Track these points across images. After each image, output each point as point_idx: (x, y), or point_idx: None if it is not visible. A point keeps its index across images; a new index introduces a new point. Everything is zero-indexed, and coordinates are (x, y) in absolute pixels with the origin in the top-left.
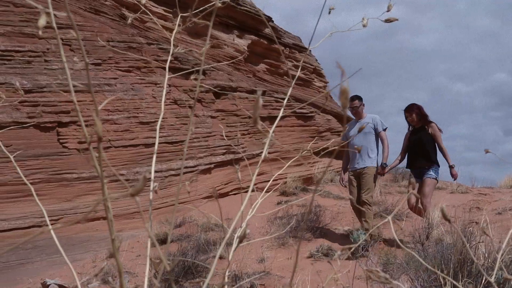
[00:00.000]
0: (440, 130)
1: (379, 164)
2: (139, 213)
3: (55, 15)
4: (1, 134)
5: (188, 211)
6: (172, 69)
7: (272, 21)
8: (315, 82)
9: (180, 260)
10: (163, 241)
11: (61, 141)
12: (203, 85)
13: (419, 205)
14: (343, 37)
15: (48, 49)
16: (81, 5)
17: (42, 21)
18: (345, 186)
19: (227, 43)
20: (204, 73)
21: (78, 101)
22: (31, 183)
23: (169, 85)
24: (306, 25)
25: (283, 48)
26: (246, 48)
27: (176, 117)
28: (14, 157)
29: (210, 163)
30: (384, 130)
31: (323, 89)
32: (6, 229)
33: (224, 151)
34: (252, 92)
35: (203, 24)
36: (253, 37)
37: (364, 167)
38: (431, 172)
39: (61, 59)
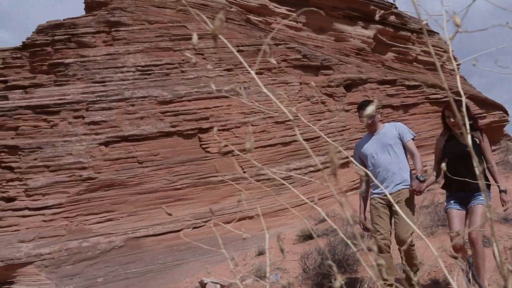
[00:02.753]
0: (490, 141)
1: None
2: (283, 211)
3: (186, 26)
4: (149, 144)
5: (330, 205)
6: (301, 67)
7: (396, 8)
8: (447, 65)
9: (330, 254)
10: (309, 236)
11: (203, 146)
12: (333, 79)
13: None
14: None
15: (183, 60)
16: (209, 15)
17: (195, 39)
18: (365, 230)
19: (352, 35)
20: (332, 67)
21: (215, 106)
22: (179, 188)
23: (300, 83)
24: (427, 6)
25: (410, 34)
26: (372, 38)
27: (310, 114)
28: (162, 165)
29: (347, 157)
30: (412, 139)
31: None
32: (161, 232)
33: None
34: (383, 82)
35: (327, 19)
36: (378, 26)
37: (398, 191)
38: (482, 198)
39: (196, 69)
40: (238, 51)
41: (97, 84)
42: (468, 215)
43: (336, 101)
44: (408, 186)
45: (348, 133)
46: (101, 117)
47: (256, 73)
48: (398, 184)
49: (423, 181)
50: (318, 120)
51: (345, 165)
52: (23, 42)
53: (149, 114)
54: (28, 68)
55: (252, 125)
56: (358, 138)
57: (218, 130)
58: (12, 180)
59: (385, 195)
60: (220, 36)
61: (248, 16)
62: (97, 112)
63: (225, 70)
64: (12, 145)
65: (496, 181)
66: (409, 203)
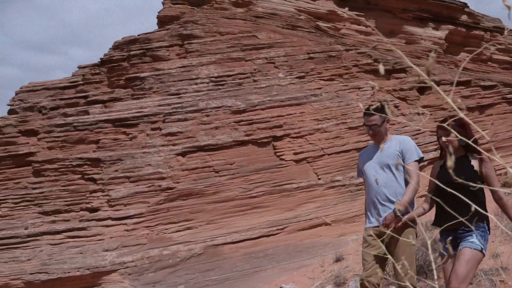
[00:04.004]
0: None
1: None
2: (359, 216)
3: (256, 36)
4: (224, 153)
5: None
6: (373, 72)
7: (468, 7)
8: None
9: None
10: None
11: (277, 154)
12: (406, 83)
13: None
14: None
15: (255, 69)
16: (278, 23)
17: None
18: None
19: (423, 37)
20: (404, 70)
21: (288, 114)
22: (255, 196)
23: (372, 88)
24: (492, 3)
25: (483, 33)
26: (443, 39)
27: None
28: (238, 173)
29: (423, 161)
30: (418, 161)
31: None
32: (238, 240)
33: (435, 147)
34: (457, 83)
35: (397, 22)
36: (449, 26)
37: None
38: (474, 239)
39: (268, 77)
40: (309, 58)
41: (172, 96)
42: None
43: (409, 105)
44: (403, 216)
45: (422, 136)
46: (177, 128)
47: (328, 79)
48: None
49: (401, 217)
50: (392, 124)
51: (421, 169)
52: (101, 59)
53: (223, 123)
54: (106, 83)
55: (325, 131)
56: (433, 142)
57: (292, 137)
58: (95, 191)
59: (378, 226)
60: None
61: (317, 23)
62: (174, 124)
63: (296, 77)
64: (94, 157)
65: (509, 217)
66: (406, 237)
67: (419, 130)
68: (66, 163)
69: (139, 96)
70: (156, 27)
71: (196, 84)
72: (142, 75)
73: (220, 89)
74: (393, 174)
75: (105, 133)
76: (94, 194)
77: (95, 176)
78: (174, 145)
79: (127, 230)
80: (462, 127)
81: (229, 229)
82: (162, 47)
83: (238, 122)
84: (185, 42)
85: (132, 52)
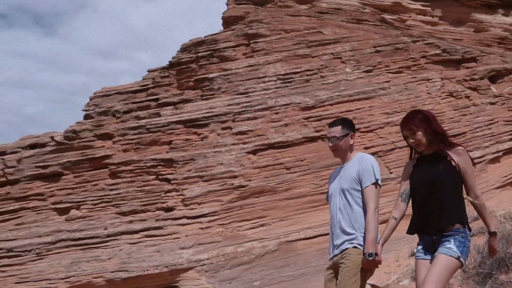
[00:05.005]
0: (473, 162)
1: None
2: None
3: (322, 32)
4: (295, 150)
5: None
6: (442, 62)
7: None
8: None
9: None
10: None
11: None
12: (476, 72)
13: None
14: None
15: (322, 65)
16: (343, 18)
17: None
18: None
19: (493, 24)
20: (474, 59)
21: (357, 108)
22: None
23: (442, 79)
24: None
25: None
26: None
27: (454, 109)
28: (309, 169)
29: (497, 151)
30: (374, 184)
31: None
32: (312, 236)
33: (510, 137)
34: None
35: (464, 10)
36: None
37: (342, 252)
38: (452, 245)
39: (335, 73)
40: (376, 51)
41: (241, 96)
42: None
43: (481, 94)
44: (357, 245)
45: (496, 126)
46: (247, 126)
47: (396, 72)
48: (344, 242)
49: (373, 257)
50: (463, 115)
51: (496, 160)
52: (169, 62)
53: (293, 120)
54: (176, 85)
55: (396, 125)
56: (507, 132)
57: (361, 131)
58: (169, 191)
59: (333, 257)
60: None
61: (382, 15)
62: (243, 122)
63: (364, 72)
64: (167, 158)
65: (483, 220)
66: (353, 272)
67: (492, 119)
68: (141, 165)
69: (209, 96)
70: (221, 28)
71: (264, 82)
72: (211, 75)
73: (288, 86)
74: (348, 200)
75: (177, 134)
76: (168, 194)
77: (169, 176)
78: (244, 143)
79: (202, 228)
80: (426, 122)
81: (302, 225)
82: (228, 48)
83: (307, 119)
84: (251, 41)
85: (199, 54)
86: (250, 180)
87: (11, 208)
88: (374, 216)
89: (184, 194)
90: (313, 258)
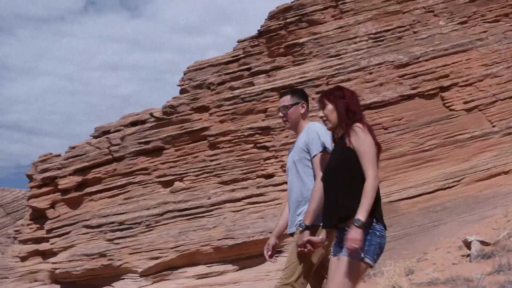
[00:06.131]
0: (376, 143)
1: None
2: None
3: None
4: (391, 109)
5: None
6: None
7: None
8: None
9: None
10: None
11: (446, 104)
12: None
13: None
14: None
15: (414, 21)
16: None
17: None
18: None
19: None
20: None
21: (453, 62)
22: (427, 150)
23: None
24: None
25: None
26: None
27: None
28: (407, 128)
29: None
30: (322, 152)
31: None
32: (414, 195)
33: None
34: None
35: None
36: None
37: (293, 232)
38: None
39: (429, 27)
40: (470, 1)
41: (333, 58)
42: None
43: None
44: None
45: None
46: None
47: (492, 21)
48: (294, 220)
49: (306, 230)
50: None
51: None
52: (258, 30)
53: (387, 79)
54: (266, 53)
55: (496, 76)
56: None
57: (460, 86)
58: (268, 158)
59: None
60: None
61: None
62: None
63: (458, 23)
64: (264, 126)
65: (360, 205)
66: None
67: None
68: (238, 134)
69: (300, 62)
70: None
71: (355, 43)
72: (301, 41)
73: (380, 45)
74: (298, 172)
75: (271, 101)
76: (267, 161)
77: (267, 144)
78: None
79: None
80: (340, 98)
81: (404, 185)
82: (316, 11)
83: (402, 77)
84: (339, 2)
85: (288, 20)
86: None
87: (118, 183)
88: (318, 188)
89: (283, 160)
90: (417, 217)
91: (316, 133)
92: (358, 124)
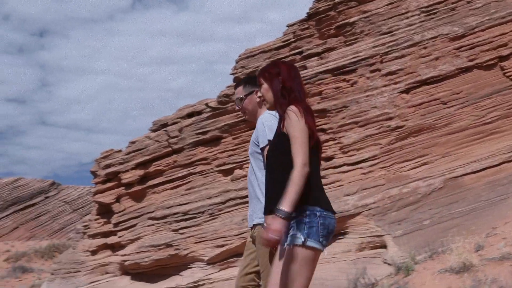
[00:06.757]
0: (312, 127)
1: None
2: None
3: None
4: (449, 83)
5: None
6: None
7: None
8: None
9: None
10: None
11: (507, 74)
12: None
13: None
14: None
15: None
16: None
17: None
18: None
19: None
20: None
21: (511, 30)
22: (489, 122)
23: None
24: None
25: None
26: None
27: None
28: (467, 101)
29: None
30: (268, 145)
31: None
32: (478, 169)
33: None
34: None
35: None
36: None
37: (253, 226)
38: (294, 230)
39: None
40: None
41: (385, 35)
42: None
43: None
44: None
45: None
46: (396, 66)
47: None
48: (254, 214)
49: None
50: None
51: None
52: (307, 13)
53: (443, 53)
54: (317, 36)
55: None
56: None
57: None
58: (327, 140)
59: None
60: None
61: None
62: (392, 62)
63: None
64: (320, 109)
65: (285, 194)
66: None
67: None
68: None
69: (352, 41)
70: None
71: (407, 18)
72: (351, 20)
73: (433, 18)
74: (252, 166)
75: (326, 83)
76: (326, 144)
77: (324, 126)
78: (396, 83)
79: (363, 174)
80: (270, 73)
81: (467, 159)
82: None
83: (458, 49)
84: None
85: (336, 0)
86: (406, 120)
87: (179, 175)
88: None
89: (341, 141)
90: (483, 192)
91: (262, 124)
92: (292, 107)
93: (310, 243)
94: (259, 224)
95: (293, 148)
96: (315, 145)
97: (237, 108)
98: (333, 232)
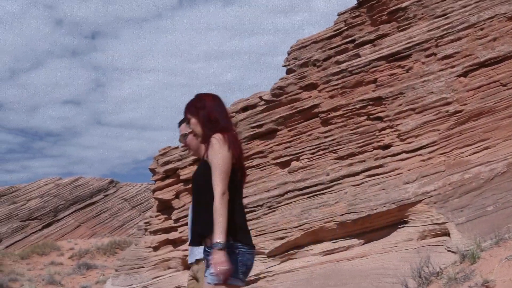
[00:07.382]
0: (237, 155)
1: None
2: None
3: None
4: (509, 64)
5: None
6: None
7: None
8: None
9: None
10: None
11: None
12: None
13: None
14: None
15: None
16: None
17: None
18: None
19: None
20: None
21: None
22: None
23: None
24: None
25: None
26: None
27: None
28: None
29: None
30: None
31: None
32: None
33: None
34: None
35: None
36: None
37: (196, 262)
38: (210, 268)
39: None
40: None
41: (439, 18)
42: None
43: None
44: (206, 256)
45: None
46: (452, 49)
47: None
48: (194, 248)
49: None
50: None
51: None
52: (357, 0)
53: (501, 33)
54: (369, 23)
55: None
56: None
57: None
58: (384, 128)
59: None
60: None
61: None
62: (447, 46)
63: None
64: (375, 97)
65: (214, 226)
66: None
67: None
68: (350, 107)
69: (405, 26)
70: None
71: None
72: (404, 4)
73: None
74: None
75: (380, 71)
76: (383, 132)
77: (381, 114)
78: (452, 67)
79: (423, 160)
80: (196, 107)
81: None
82: None
83: None
84: None
85: None
86: (465, 104)
87: None
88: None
89: (399, 129)
90: None
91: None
92: (216, 135)
93: (231, 281)
94: (199, 260)
95: (213, 176)
96: (240, 175)
97: (181, 145)
98: (251, 269)
